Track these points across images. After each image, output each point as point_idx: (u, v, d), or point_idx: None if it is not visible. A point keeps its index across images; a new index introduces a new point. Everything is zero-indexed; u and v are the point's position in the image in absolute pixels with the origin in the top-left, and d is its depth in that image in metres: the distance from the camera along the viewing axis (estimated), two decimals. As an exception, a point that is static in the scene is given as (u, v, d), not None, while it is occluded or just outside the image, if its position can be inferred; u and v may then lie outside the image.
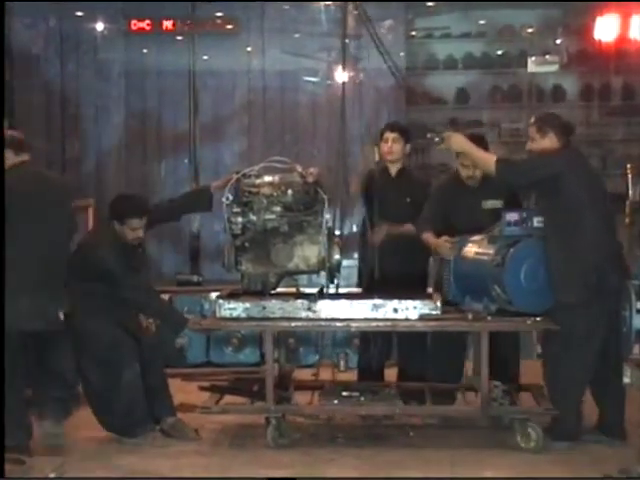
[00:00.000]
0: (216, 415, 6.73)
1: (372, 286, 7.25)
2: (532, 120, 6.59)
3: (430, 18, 11.31)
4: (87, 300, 6.67)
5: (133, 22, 10.28)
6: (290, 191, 6.65)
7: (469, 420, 6.91)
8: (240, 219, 6.66)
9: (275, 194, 6.67)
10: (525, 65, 10.59)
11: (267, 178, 6.70)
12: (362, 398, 6.69)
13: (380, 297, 6.58)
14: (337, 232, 7.14)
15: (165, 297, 7.86)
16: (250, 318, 6.55)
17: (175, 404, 6.93)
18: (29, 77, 10.44)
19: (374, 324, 6.55)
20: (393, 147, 7.51)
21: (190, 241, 10.06)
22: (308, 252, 6.71)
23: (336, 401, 6.70)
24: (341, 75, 7.96)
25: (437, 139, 6.62)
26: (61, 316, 6.47)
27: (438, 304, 6.51)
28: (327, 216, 6.68)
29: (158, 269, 10.45)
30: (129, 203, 6.84)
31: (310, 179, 6.63)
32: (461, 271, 6.76)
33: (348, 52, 7.37)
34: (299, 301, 6.57)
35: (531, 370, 7.25)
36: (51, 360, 6.61)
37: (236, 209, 6.66)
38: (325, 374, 7.51)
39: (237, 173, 6.73)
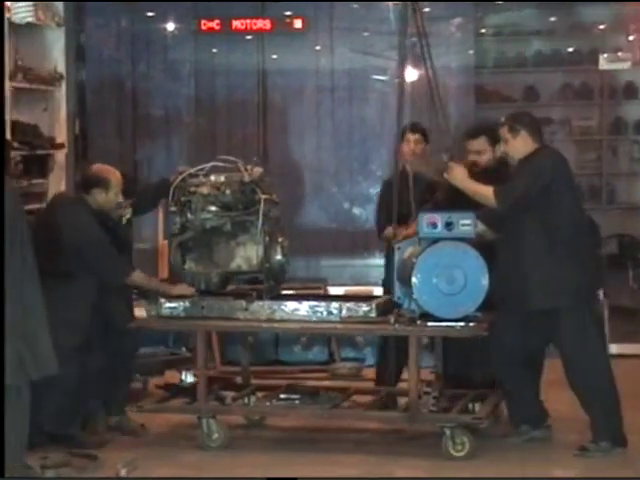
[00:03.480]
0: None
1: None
2: (502, 120, 6.48)
3: (500, 15, 11.25)
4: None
5: (203, 22, 10.34)
6: (228, 191, 6.62)
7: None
8: (178, 218, 6.67)
9: (212, 193, 6.64)
10: (596, 62, 10.47)
11: (212, 177, 6.69)
12: (297, 402, 6.74)
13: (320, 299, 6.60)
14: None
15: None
16: (189, 317, 6.56)
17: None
18: (101, 77, 10.58)
19: (301, 326, 6.57)
20: (415, 148, 7.41)
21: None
22: (250, 252, 6.66)
23: (268, 403, 6.77)
24: (406, 73, 7.87)
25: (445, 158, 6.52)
26: None
27: (373, 306, 6.39)
28: (276, 214, 6.65)
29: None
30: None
31: (246, 179, 6.60)
32: (401, 272, 6.59)
33: (414, 50, 7.33)
34: (236, 301, 6.55)
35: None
36: None
37: (173, 208, 6.67)
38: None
39: (181, 173, 6.72)
